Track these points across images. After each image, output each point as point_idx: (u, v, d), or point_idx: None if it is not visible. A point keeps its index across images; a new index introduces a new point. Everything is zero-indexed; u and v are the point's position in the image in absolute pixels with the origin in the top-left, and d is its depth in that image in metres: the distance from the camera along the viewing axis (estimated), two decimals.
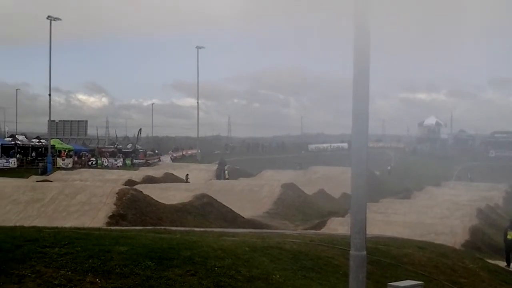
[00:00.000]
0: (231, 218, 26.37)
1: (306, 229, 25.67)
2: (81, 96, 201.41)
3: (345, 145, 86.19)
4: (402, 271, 12.72)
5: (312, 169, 60.01)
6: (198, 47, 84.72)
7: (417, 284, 9.32)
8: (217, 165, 60.68)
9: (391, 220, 27.29)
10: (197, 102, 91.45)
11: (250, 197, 36.02)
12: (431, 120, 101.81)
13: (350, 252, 7.47)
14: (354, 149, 7.47)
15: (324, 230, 24.12)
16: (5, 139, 68.11)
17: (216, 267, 10.16)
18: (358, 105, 7.34)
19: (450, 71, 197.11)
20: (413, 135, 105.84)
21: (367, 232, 7.57)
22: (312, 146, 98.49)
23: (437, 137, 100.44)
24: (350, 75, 7.30)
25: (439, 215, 30.70)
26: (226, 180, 50.95)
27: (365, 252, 7.43)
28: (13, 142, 65.50)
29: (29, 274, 8.98)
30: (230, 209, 27.74)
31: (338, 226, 25.33)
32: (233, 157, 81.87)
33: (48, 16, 60.26)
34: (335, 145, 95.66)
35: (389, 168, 72.20)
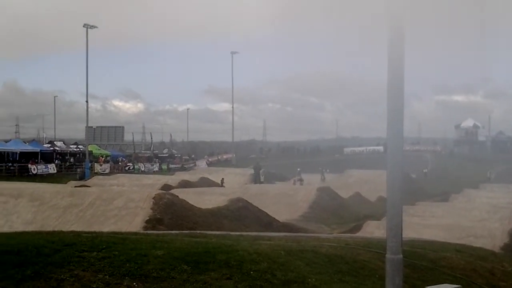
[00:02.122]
0: (267, 222, 26.34)
1: (342, 233, 25.51)
2: (117, 103, 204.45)
3: (381, 148, 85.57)
4: (439, 274, 12.57)
5: (347, 172, 59.73)
6: (232, 52, 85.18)
7: (455, 287, 9.19)
8: (252, 169, 60.95)
9: (428, 223, 26.94)
10: (232, 107, 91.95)
11: (286, 201, 35.96)
12: (468, 122, 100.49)
13: (386, 255, 7.41)
14: (389, 152, 7.41)
15: (360, 234, 23.95)
16: (44, 145, 69.28)
17: (251, 271, 10.18)
18: (393, 108, 7.29)
19: (487, 72, 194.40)
20: (450, 138, 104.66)
21: (403, 235, 7.50)
22: (347, 150, 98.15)
23: (475, 139, 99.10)
24: (384, 78, 7.26)
25: (478, 217, 30.19)
26: (262, 184, 51.03)
27: (401, 256, 7.36)
28: (51, 148, 66.61)
29: (67, 278, 9.11)
30: (266, 213, 27.72)
31: (374, 230, 25.11)
32: (268, 161, 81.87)
33: (85, 24, 61.22)
34: (371, 148, 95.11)
35: (425, 171, 71.46)
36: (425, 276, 12.14)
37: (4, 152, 60.17)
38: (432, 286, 9.15)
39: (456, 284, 9.74)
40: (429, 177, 68.15)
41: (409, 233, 16.98)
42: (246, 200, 28.51)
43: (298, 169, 62.09)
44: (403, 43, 7.21)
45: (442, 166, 77.13)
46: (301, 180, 57.32)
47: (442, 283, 9.98)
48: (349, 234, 22.70)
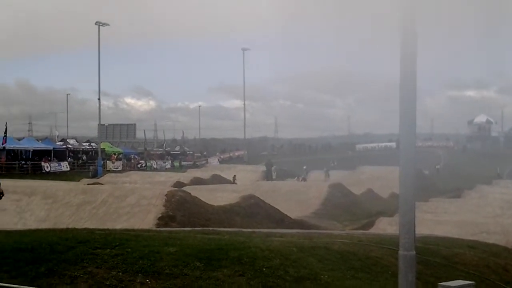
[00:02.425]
0: (279, 219, 26.34)
1: (354, 229, 25.47)
2: (129, 100, 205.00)
3: (393, 144, 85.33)
4: (452, 271, 12.52)
5: (360, 169, 59.58)
6: (243, 49, 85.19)
7: (468, 284, 9.15)
8: (264, 166, 60.97)
9: (440, 220, 26.83)
10: (244, 104, 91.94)
11: (298, 198, 35.94)
12: (481, 118, 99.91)
13: (399, 252, 7.39)
14: (402, 148, 7.39)
15: (372, 230, 23.89)
16: (57, 143, 69.63)
17: (264, 268, 10.19)
18: (405, 104, 7.26)
19: (500, 67, 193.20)
20: (462, 134, 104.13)
21: (416, 232, 7.48)
22: (359, 146, 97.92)
23: (488, 135, 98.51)
24: (396, 73, 7.24)
25: (491, 214, 30.02)
26: (274, 181, 51.03)
27: (414, 252, 7.34)
28: (64, 146, 66.94)
29: (81, 275, 9.17)
30: (278, 209, 27.72)
31: (386, 226, 25.03)
32: (280, 158, 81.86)
33: (97, 22, 61.35)
34: (383, 144, 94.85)
35: (438, 167, 71.19)
36: (438, 273, 12.10)
37: (17, 150, 60.51)
38: (445, 283, 9.11)
39: (470, 281, 9.69)
40: (441, 173, 67.91)
41: (421, 230, 16.91)
42: (258, 197, 28.51)
43: (304, 167, 61.75)
44: (416, 38, 7.18)
45: (454, 162, 76.80)
46: (304, 180, 57.26)
47: (455, 280, 9.95)
48: (361, 231, 22.69)
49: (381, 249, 12.83)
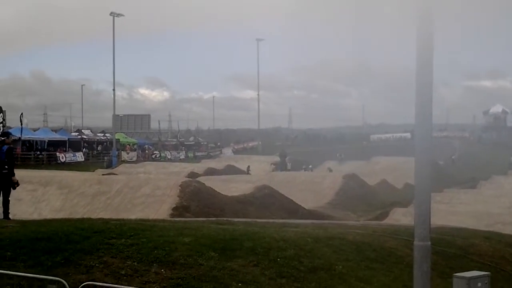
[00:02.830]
0: (293, 209, 26.35)
1: (369, 220, 25.45)
2: (143, 91, 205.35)
3: (408, 135, 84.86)
4: (467, 261, 12.47)
5: (374, 159, 59.43)
6: (258, 40, 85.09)
7: (484, 274, 9.10)
8: (278, 157, 60.95)
9: (455, 210, 26.74)
10: (258, 94, 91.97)
11: (312, 188, 35.93)
12: (497, 108, 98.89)
13: (414, 242, 7.36)
14: (418, 138, 7.35)
15: (387, 221, 23.86)
16: (72, 134, 69.98)
17: (278, 258, 10.20)
18: (421, 94, 7.21)
19: None
20: (478, 124, 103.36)
21: (431, 223, 7.45)
22: (374, 137, 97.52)
23: (504, 125, 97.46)
24: (412, 64, 7.18)
25: (506, 204, 29.86)
26: (288, 172, 51.03)
27: (429, 243, 7.31)
28: (79, 136, 67.24)
29: (96, 265, 9.22)
30: (292, 200, 27.73)
31: (401, 217, 25.00)
32: (294, 148, 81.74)
33: (111, 13, 61.38)
34: (398, 135, 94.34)
35: (453, 157, 70.74)
36: (453, 263, 12.06)
37: (33, 140, 60.86)
38: (461, 273, 9.07)
39: (485, 271, 9.64)
40: (456, 163, 67.53)
41: (436, 220, 16.83)
42: (272, 188, 28.54)
43: (310, 166, 60.71)
44: (432, 28, 7.11)
45: (470, 153, 76.29)
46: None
47: (470, 270, 9.90)
48: (375, 222, 22.65)
49: (395, 240, 12.81)
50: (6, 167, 13.78)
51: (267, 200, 26.22)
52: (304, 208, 27.36)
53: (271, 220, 17.06)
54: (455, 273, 9.06)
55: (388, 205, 31.31)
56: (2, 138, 14.23)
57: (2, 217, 13.56)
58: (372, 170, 52.11)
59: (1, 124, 55.21)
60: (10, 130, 40.29)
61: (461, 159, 71.00)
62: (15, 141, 45.98)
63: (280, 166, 56.94)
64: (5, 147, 13.97)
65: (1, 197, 13.89)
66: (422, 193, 7.34)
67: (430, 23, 7.10)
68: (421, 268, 7.26)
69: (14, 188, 14.28)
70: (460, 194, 34.47)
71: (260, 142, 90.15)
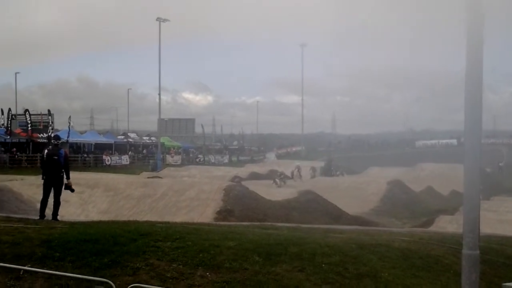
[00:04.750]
0: (337, 215, 26.20)
1: (414, 227, 25.11)
2: (187, 95, 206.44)
3: (454, 141, 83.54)
4: None
5: (419, 166, 58.67)
6: (301, 45, 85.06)
7: None
8: (322, 162, 60.65)
9: (503, 219, 26.20)
10: (302, 99, 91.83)
11: (356, 194, 35.69)
12: None
13: (463, 251, 7.23)
14: (467, 145, 7.22)
15: (432, 228, 23.52)
16: (118, 137, 70.98)
17: (323, 264, 10.14)
18: (470, 99, 7.08)
19: None
20: None
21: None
22: (419, 143, 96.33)
23: None
24: (458, 69, 7.07)
25: None
26: (332, 177, 50.73)
27: (478, 252, 7.17)
28: (125, 140, 68.14)
29: (143, 267, 9.33)
30: (335, 205, 27.57)
31: (447, 224, 24.62)
32: (338, 154, 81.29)
33: (158, 18, 62.09)
34: (444, 141, 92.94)
35: (501, 164, 69.35)
36: (502, 273, 11.80)
37: (80, 143, 61.95)
38: (509, 283, 8.89)
39: None
40: (504, 171, 66.17)
41: (483, 229, 16.49)
42: (316, 193, 28.44)
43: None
44: (482, 34, 7.00)
45: None
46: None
47: None
48: (421, 229, 22.33)
49: (442, 248, 12.60)
50: (63, 170, 14.07)
51: (310, 205, 26.14)
52: (348, 214, 27.18)
53: (315, 226, 16.99)
54: (504, 282, 8.89)
55: (433, 212, 30.87)
56: (56, 142, 14.49)
57: (51, 218, 13.83)
58: (417, 176, 51.48)
59: (50, 127, 56.44)
60: (57, 133, 41.15)
61: (509, 167, 69.53)
62: (63, 143, 46.87)
63: (325, 172, 56.63)
64: (62, 151, 14.27)
65: (52, 199, 14.16)
66: (470, 200, 7.22)
67: (480, 25, 6.98)
68: (469, 278, 7.13)
69: (73, 191, 14.61)
70: (508, 202, 33.78)
71: (303, 147, 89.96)
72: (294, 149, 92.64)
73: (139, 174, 46.96)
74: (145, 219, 18.07)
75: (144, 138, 73.03)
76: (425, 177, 50.52)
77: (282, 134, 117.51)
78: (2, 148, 49.83)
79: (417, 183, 43.41)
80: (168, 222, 14.19)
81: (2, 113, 55.96)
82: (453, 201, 36.93)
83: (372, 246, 11.71)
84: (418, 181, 46.02)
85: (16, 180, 30.24)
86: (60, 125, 61.08)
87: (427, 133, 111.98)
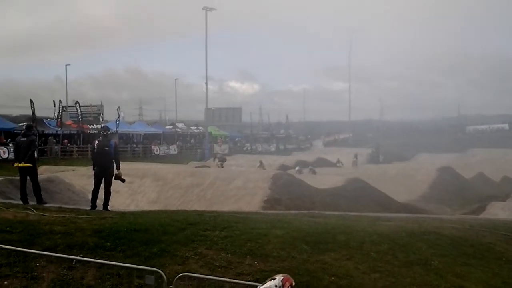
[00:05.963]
0: (385, 203, 25.92)
1: (465, 214, 24.69)
2: (233, 84, 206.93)
3: (506, 126, 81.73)
4: None
5: (470, 151, 57.63)
6: (350, 31, 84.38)
7: None
8: (370, 149, 60.13)
9: None
10: (349, 86, 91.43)
11: (405, 181, 35.23)
12: None
13: None
14: None
15: (483, 215, 23.07)
16: (166, 127, 71.66)
17: (372, 252, 10.08)
18: None
19: None
20: None
21: None
22: (470, 128, 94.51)
23: None
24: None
25: None
26: (380, 164, 50.26)
27: None
28: (173, 130, 68.74)
29: (192, 256, 9.43)
30: (384, 193, 27.28)
31: (499, 211, 24.13)
32: (387, 140, 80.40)
33: (204, 7, 62.20)
34: (495, 126, 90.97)
35: None
36: None
37: (129, 133, 62.74)
38: None
39: None
40: None
41: None
42: (364, 180, 28.20)
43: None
44: None
45: None
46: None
47: None
48: (472, 216, 21.94)
49: (494, 235, 12.37)
50: (113, 161, 14.25)
51: (358, 193, 25.92)
52: (397, 202, 26.87)
53: (363, 214, 16.87)
54: None
55: (485, 199, 30.25)
56: (106, 133, 14.63)
57: (102, 208, 14.07)
58: (468, 162, 50.56)
59: (101, 118, 57.33)
60: (107, 124, 41.77)
61: None
62: (113, 134, 47.59)
63: (373, 159, 56.12)
64: (112, 141, 14.44)
65: (103, 189, 14.39)
66: None
67: None
68: None
69: (123, 181, 14.82)
70: None
71: (351, 134, 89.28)
72: (341, 136, 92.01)
73: (187, 163, 47.30)
74: (193, 208, 18.20)
75: (192, 127, 73.49)
76: (476, 163, 49.58)
77: (329, 121, 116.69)
78: (54, 140, 50.76)
79: (468, 169, 42.61)
80: (216, 211, 14.30)
81: (54, 105, 57.02)
82: (505, 187, 36.19)
83: (421, 233, 11.58)
84: (468, 167, 45.17)
85: (68, 171, 30.84)
86: (109, 116, 61.88)
87: (478, 118, 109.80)
